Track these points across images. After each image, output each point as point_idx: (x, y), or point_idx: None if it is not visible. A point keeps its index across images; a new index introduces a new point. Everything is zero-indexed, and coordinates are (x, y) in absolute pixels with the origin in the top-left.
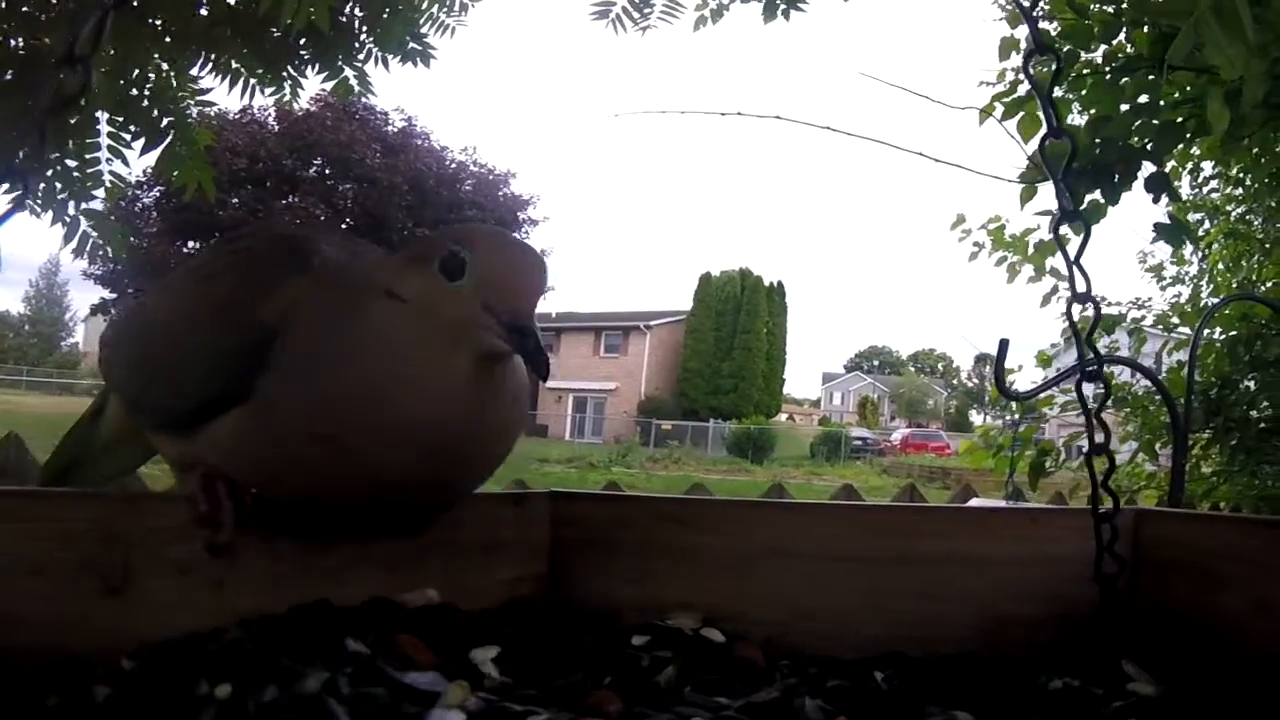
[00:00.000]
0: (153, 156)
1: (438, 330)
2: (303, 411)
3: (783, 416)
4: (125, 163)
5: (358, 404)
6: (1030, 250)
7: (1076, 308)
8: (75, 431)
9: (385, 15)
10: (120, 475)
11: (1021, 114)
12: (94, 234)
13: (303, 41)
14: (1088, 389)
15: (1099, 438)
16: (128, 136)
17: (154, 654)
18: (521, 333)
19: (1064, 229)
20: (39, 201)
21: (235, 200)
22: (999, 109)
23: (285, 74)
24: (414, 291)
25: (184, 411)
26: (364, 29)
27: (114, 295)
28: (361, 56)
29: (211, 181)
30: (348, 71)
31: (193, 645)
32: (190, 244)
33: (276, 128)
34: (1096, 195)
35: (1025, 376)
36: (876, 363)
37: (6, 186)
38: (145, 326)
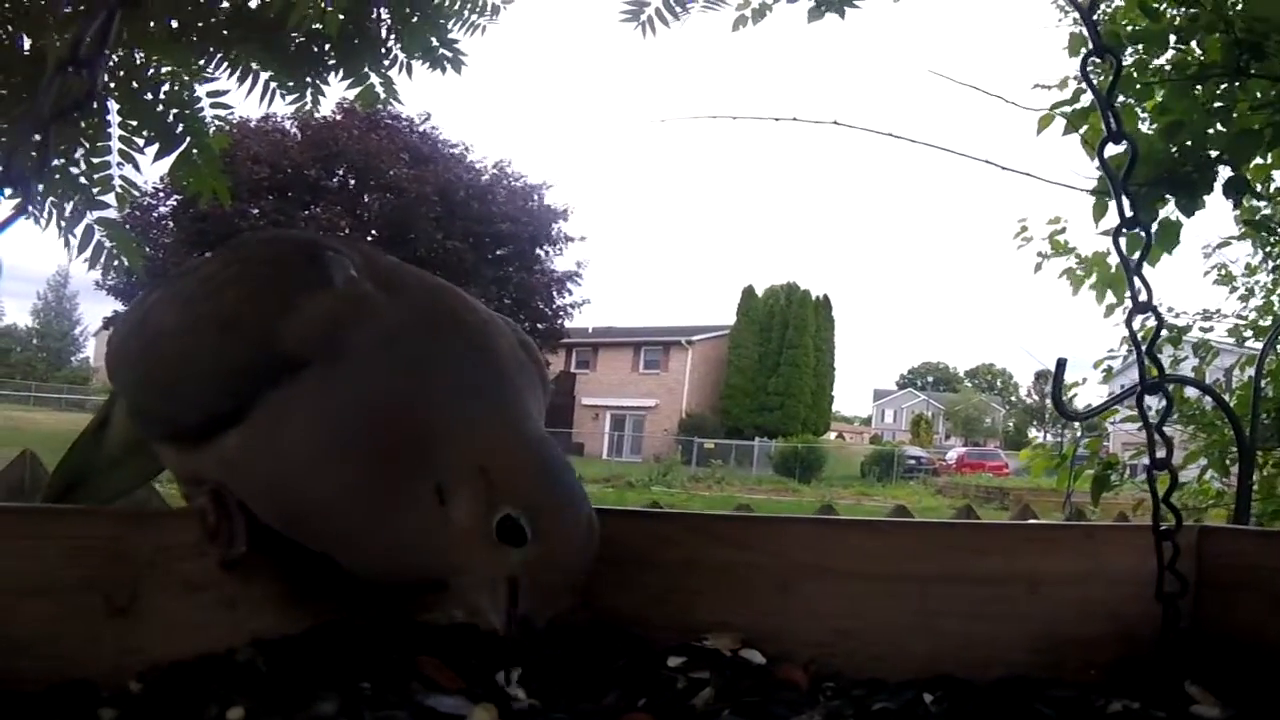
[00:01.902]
0: (167, 163)
1: (458, 566)
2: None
3: (831, 435)
4: (137, 168)
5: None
6: (1105, 269)
7: (1138, 318)
8: (80, 443)
9: (414, 19)
10: (128, 491)
11: (1086, 126)
12: (109, 244)
13: (327, 47)
14: (1150, 402)
15: (1160, 453)
16: (140, 141)
17: (163, 676)
18: (527, 629)
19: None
20: (40, 209)
21: (256, 210)
22: (1059, 119)
23: (307, 80)
24: (462, 520)
25: (190, 424)
26: (391, 34)
27: (127, 309)
28: (388, 62)
29: (226, 189)
30: (374, 78)
31: (203, 667)
32: (208, 255)
33: (300, 136)
34: (1170, 211)
35: (1088, 391)
36: (931, 379)
37: (9, 192)
38: (151, 334)
